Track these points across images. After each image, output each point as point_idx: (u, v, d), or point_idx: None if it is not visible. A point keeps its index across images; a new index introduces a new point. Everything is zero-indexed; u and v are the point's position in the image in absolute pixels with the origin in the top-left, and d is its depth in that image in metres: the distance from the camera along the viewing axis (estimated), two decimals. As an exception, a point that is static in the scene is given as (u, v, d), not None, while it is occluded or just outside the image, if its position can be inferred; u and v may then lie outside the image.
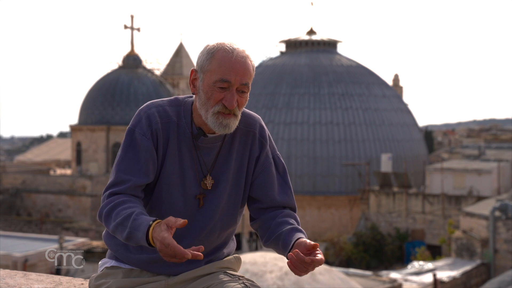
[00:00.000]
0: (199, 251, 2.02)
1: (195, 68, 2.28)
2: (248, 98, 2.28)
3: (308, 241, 2.12)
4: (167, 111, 2.31)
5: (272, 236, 2.30)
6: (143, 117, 2.28)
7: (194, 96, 2.33)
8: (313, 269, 2.06)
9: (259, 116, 2.45)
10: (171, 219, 2.03)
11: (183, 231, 2.29)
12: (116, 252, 2.36)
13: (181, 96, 2.40)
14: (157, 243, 2.02)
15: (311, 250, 2.08)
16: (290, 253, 2.07)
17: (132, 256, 2.33)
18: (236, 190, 2.38)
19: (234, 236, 2.52)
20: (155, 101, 2.36)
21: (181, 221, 2.01)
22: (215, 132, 2.30)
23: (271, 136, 2.47)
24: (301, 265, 2.05)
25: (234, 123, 2.25)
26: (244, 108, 2.35)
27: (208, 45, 2.26)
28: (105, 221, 2.21)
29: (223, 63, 2.20)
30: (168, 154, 2.29)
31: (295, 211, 2.42)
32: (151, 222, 2.07)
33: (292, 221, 2.31)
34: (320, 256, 2.06)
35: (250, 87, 2.26)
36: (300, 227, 2.28)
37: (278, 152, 2.47)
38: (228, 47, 2.22)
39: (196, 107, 2.29)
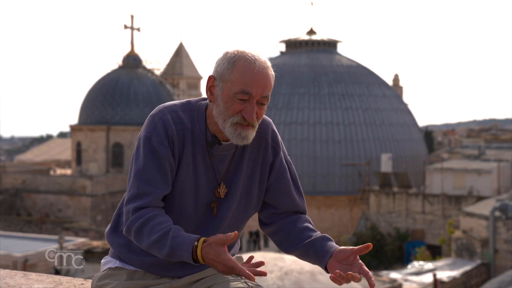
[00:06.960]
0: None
1: (213, 75, 2.22)
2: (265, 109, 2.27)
3: (347, 249, 2.15)
4: (181, 117, 2.24)
5: (299, 243, 2.29)
6: (158, 124, 2.21)
7: (208, 101, 2.27)
8: (359, 280, 2.09)
9: (270, 120, 2.41)
10: (220, 237, 2.05)
11: None
12: (120, 252, 2.32)
13: (193, 99, 2.33)
14: (218, 265, 2.04)
15: (352, 259, 2.13)
16: (332, 275, 2.08)
17: (135, 258, 2.29)
18: (246, 197, 2.35)
19: (239, 240, 2.49)
20: (167, 105, 2.29)
21: (231, 235, 2.04)
22: (230, 140, 2.27)
23: (281, 140, 2.45)
24: (343, 281, 2.08)
25: (252, 134, 2.22)
26: None
27: (228, 52, 2.20)
28: (136, 237, 2.17)
29: (245, 74, 2.15)
30: (183, 162, 2.24)
31: (306, 215, 2.42)
32: (196, 243, 2.07)
33: (312, 227, 2.32)
34: (358, 272, 2.08)
35: (269, 98, 2.23)
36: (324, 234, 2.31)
37: (289, 157, 2.45)
38: (249, 57, 2.16)
39: (211, 113, 2.25)
